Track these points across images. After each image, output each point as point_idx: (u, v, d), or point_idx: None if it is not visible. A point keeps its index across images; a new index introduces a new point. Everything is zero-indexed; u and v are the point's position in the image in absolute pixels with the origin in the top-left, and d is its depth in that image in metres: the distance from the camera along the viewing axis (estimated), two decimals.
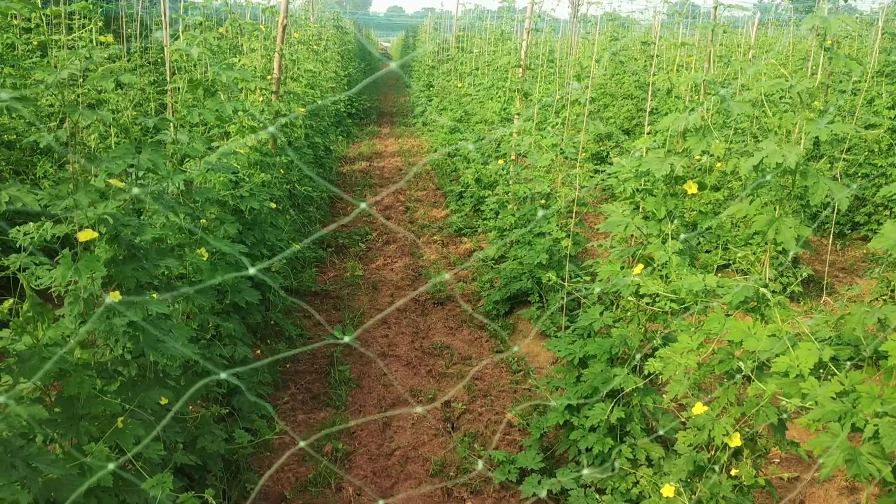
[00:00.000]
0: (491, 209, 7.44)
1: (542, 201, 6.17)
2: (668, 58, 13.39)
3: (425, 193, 10.80)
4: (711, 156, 3.67)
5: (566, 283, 5.17)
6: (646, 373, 3.18)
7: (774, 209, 2.59)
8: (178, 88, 3.97)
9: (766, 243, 2.65)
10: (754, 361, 2.50)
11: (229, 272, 4.15)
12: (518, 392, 5.12)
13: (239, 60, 5.55)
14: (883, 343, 2.02)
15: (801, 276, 3.86)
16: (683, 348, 2.76)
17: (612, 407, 3.69)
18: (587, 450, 3.83)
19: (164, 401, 2.98)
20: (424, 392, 5.13)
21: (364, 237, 8.46)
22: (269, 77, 6.33)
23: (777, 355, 2.32)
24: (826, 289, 7.01)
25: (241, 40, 6.24)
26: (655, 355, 3.02)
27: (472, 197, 8.93)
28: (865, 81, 9.89)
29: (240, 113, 4.82)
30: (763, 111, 3.16)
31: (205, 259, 3.86)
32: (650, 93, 4.82)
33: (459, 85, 10.99)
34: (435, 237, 8.54)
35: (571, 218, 5.52)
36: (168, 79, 4.01)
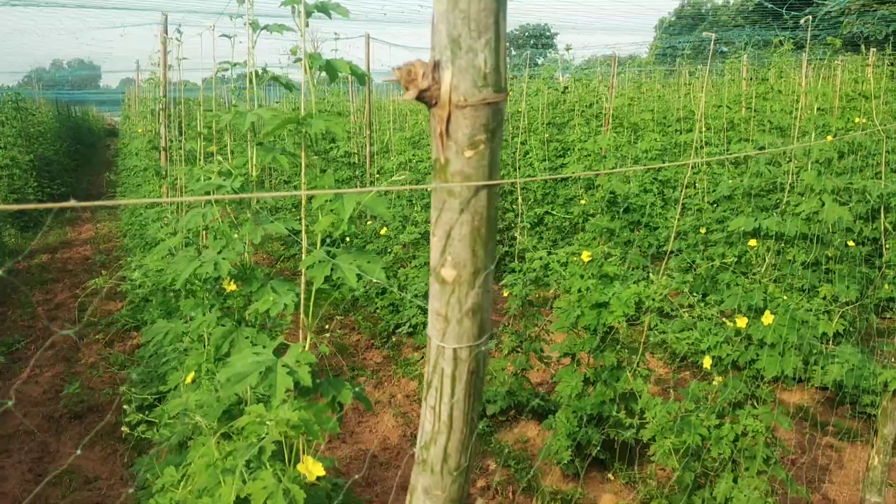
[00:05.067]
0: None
1: None
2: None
3: (111, 287, 9.88)
4: None
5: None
6: None
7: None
8: None
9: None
10: None
11: None
12: None
13: None
14: None
15: None
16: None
17: None
18: None
19: None
20: None
21: (11, 347, 7.43)
22: None
23: None
24: None
25: None
26: None
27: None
28: (522, 132, 10.48)
29: None
30: None
31: None
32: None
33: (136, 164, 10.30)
34: (98, 335, 7.72)
35: None
36: None
